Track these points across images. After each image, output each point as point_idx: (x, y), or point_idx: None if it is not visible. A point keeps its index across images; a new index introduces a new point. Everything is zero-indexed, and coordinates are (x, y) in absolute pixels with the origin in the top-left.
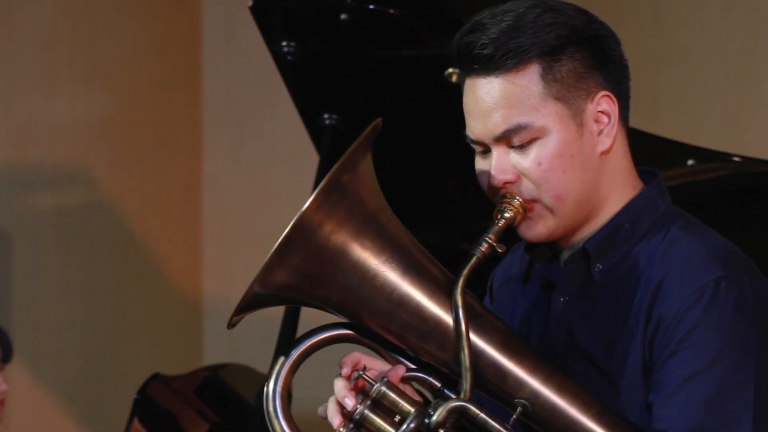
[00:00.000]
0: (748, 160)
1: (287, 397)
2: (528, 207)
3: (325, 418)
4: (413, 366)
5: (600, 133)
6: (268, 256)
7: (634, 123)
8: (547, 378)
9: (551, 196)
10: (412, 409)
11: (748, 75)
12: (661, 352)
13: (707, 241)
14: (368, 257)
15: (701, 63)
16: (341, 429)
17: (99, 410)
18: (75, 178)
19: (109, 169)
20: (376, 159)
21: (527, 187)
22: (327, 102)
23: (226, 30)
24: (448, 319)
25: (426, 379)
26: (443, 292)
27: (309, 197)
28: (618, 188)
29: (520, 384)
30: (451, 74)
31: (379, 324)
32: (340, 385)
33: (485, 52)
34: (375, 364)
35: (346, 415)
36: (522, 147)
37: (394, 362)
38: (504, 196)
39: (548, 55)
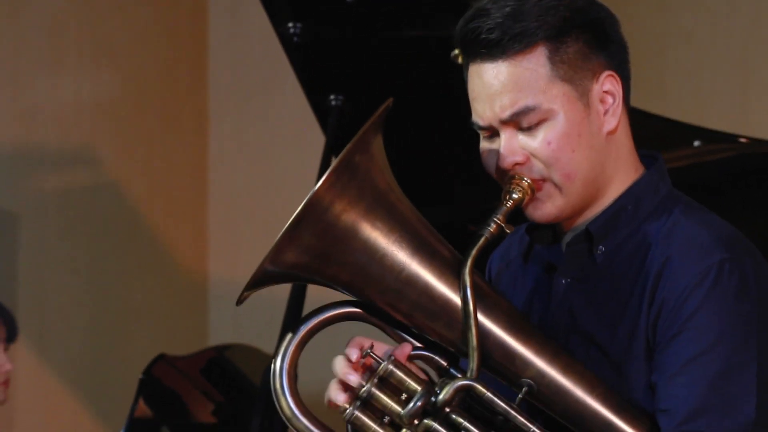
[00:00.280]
0: (754, 141)
1: (294, 374)
2: (536, 187)
3: (331, 402)
4: (420, 345)
5: (606, 113)
6: (280, 234)
7: (640, 104)
8: (553, 358)
9: (561, 175)
10: (419, 388)
11: (754, 56)
12: (664, 333)
13: (710, 224)
14: (378, 236)
15: (707, 44)
16: (347, 407)
17: (104, 391)
18: (81, 160)
19: (114, 151)
20: (383, 140)
21: (537, 167)
22: (333, 83)
23: (232, 11)
24: (456, 298)
25: (432, 358)
26: (452, 272)
27: (317, 178)
28: (621, 170)
29: (526, 364)
30: (457, 55)
31: (388, 302)
32: (341, 364)
33: (492, 36)
34: (382, 344)
35: (351, 392)
36: (530, 129)
37: (401, 341)
38: (512, 177)
39: (554, 38)
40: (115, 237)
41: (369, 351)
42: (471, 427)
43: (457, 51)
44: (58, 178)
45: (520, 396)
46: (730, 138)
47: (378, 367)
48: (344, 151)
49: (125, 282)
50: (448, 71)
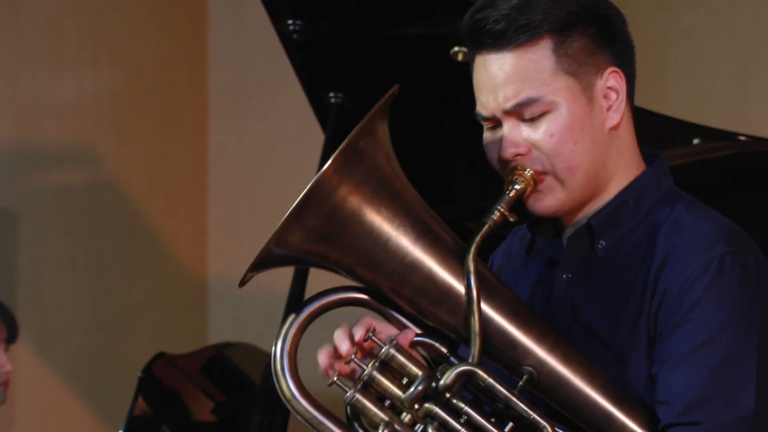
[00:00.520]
0: (753, 139)
1: (295, 357)
2: (538, 179)
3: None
4: (422, 331)
5: (609, 108)
6: (286, 216)
7: (640, 102)
8: (554, 347)
9: (563, 168)
10: (420, 372)
11: (754, 54)
12: (665, 324)
13: (712, 218)
14: (382, 221)
15: (707, 42)
16: (348, 390)
17: (104, 389)
18: (80, 157)
19: (114, 148)
20: None
21: (539, 159)
22: (333, 81)
23: (231, 9)
24: (459, 284)
25: (434, 345)
26: (455, 259)
27: (318, 171)
28: (623, 166)
29: (527, 352)
30: (456, 53)
31: (391, 287)
32: (339, 332)
33: (498, 27)
34: (384, 328)
35: (339, 361)
36: (533, 120)
37: (403, 328)
38: (515, 168)
39: (560, 31)
40: (114, 235)
41: (371, 335)
42: (472, 412)
43: (456, 48)
44: (57, 176)
45: (520, 384)
46: (730, 136)
47: (380, 351)
48: (351, 134)
49: (125, 280)
50: (448, 69)
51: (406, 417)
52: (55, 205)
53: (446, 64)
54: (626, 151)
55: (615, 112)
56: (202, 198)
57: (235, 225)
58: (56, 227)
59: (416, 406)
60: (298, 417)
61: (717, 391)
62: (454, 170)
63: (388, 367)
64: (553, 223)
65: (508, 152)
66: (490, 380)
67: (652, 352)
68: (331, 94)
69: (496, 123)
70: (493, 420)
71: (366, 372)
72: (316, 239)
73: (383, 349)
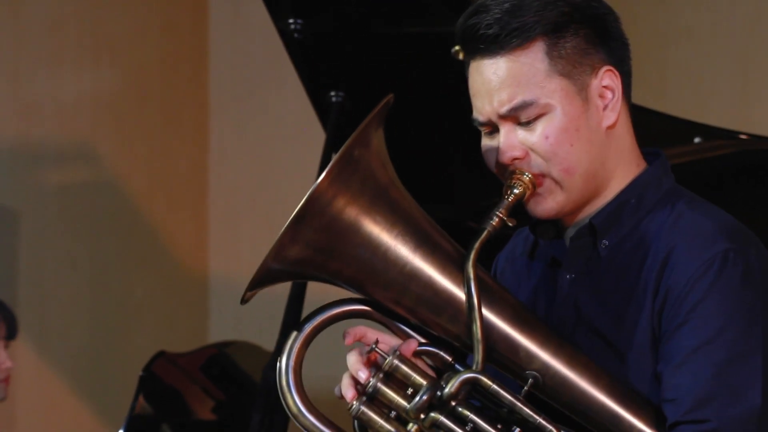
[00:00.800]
0: (754, 138)
1: (300, 372)
2: (537, 182)
3: (341, 397)
4: (425, 340)
5: (605, 108)
6: (283, 230)
7: (640, 100)
8: (558, 350)
9: (560, 170)
10: (425, 382)
11: (755, 53)
12: (669, 323)
13: (713, 215)
14: (381, 231)
15: (708, 40)
16: (354, 402)
17: (104, 388)
18: (81, 156)
19: (115, 147)
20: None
21: (536, 162)
22: (334, 79)
23: (232, 7)
24: (459, 292)
25: (437, 354)
26: (455, 266)
27: (318, 174)
28: (623, 164)
29: (531, 356)
30: (457, 52)
31: (392, 298)
32: (353, 359)
33: (490, 32)
34: (387, 339)
35: (359, 388)
36: (529, 123)
37: (406, 338)
38: (513, 172)
39: (552, 33)
40: (115, 233)
41: (374, 347)
42: (477, 420)
43: (457, 47)
44: (58, 175)
45: (525, 388)
46: (731, 134)
47: (383, 362)
48: (345, 145)
49: (125, 279)
50: (448, 68)
51: (412, 428)
52: (55, 203)
53: (446, 63)
54: (625, 149)
55: (611, 111)
56: (203, 197)
57: (235, 224)
58: (57, 226)
59: (422, 416)
60: None
61: (723, 388)
62: (454, 170)
63: (392, 378)
64: (555, 223)
65: (506, 157)
66: (495, 386)
67: (656, 350)
68: (332, 93)
69: (493, 128)
70: (499, 426)
71: (371, 384)
72: (314, 252)
73: (387, 360)
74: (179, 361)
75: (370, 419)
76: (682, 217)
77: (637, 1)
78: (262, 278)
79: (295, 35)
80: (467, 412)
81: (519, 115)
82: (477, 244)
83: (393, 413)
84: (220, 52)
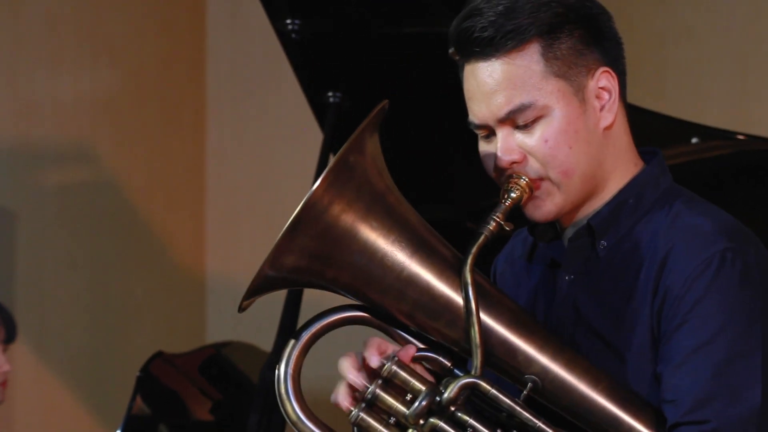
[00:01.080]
0: (751, 138)
1: (299, 379)
2: (534, 186)
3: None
4: (423, 346)
5: (602, 108)
6: (278, 238)
7: (639, 100)
8: (557, 354)
9: (558, 173)
10: (423, 387)
11: (754, 53)
12: (668, 323)
13: (711, 214)
14: (377, 237)
15: (707, 40)
16: (353, 409)
17: (102, 388)
18: (79, 156)
19: (113, 147)
20: (380, 137)
21: (533, 167)
22: (331, 80)
23: (230, 7)
24: (457, 296)
25: (436, 359)
26: (452, 271)
27: (315, 177)
28: (620, 164)
29: (530, 360)
30: (455, 53)
31: (389, 303)
32: (346, 365)
33: (485, 34)
34: (386, 345)
35: (357, 396)
36: (527, 126)
37: (405, 343)
38: (510, 176)
39: (547, 34)
40: (113, 234)
41: None
42: (477, 425)
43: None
44: (56, 175)
45: (524, 392)
46: (728, 135)
47: (382, 369)
48: (340, 152)
49: (124, 279)
50: (447, 68)
51: None
52: (54, 204)
53: (446, 63)
54: (622, 149)
55: (608, 112)
56: (201, 197)
57: (233, 224)
58: (55, 226)
59: (421, 422)
60: None
61: (723, 388)
62: (453, 170)
63: (391, 383)
64: (553, 224)
65: (504, 161)
66: (494, 391)
67: (656, 351)
68: (330, 94)
69: (490, 132)
70: (499, 431)
71: (369, 390)
72: (310, 260)
73: (385, 366)
74: (177, 361)
75: (369, 426)
76: (679, 216)
77: (636, 1)
78: (259, 286)
79: (293, 36)
80: (466, 417)
81: (517, 119)
82: (474, 249)
83: (392, 419)
84: (218, 52)
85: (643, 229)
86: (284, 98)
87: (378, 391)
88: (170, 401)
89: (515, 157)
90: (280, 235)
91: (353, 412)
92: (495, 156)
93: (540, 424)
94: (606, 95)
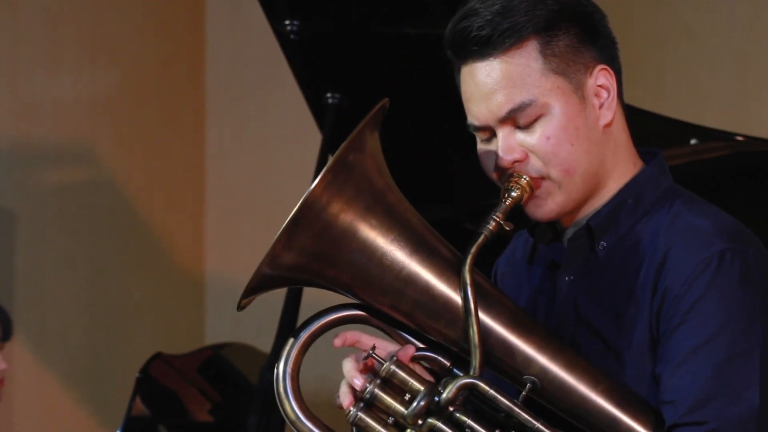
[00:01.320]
0: (751, 140)
1: (297, 378)
2: (535, 185)
3: (341, 406)
4: (423, 346)
5: (601, 106)
6: (277, 236)
7: (639, 101)
8: (556, 354)
9: (560, 170)
10: (422, 387)
11: (754, 54)
12: (667, 323)
13: (711, 215)
14: (377, 236)
15: (707, 41)
16: (351, 408)
17: (101, 389)
18: (78, 156)
19: (112, 147)
20: (380, 137)
21: (534, 165)
22: (330, 81)
23: (229, 8)
24: (456, 296)
25: (435, 359)
26: (452, 270)
27: (314, 176)
28: (620, 163)
29: (529, 361)
30: (453, 58)
31: (388, 303)
32: (348, 366)
33: (482, 33)
34: (385, 345)
35: (357, 395)
36: (528, 125)
37: (404, 343)
38: (510, 176)
39: (544, 31)
40: (113, 234)
41: (371, 353)
42: (475, 426)
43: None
44: (55, 175)
45: (523, 393)
46: (727, 136)
47: (380, 368)
48: (339, 150)
49: (123, 280)
50: (447, 69)
51: None
52: (53, 204)
53: (446, 64)
54: (621, 148)
55: (607, 110)
56: (200, 197)
57: (232, 224)
58: (54, 226)
59: (419, 422)
60: None
61: (721, 388)
62: (453, 170)
63: (389, 383)
64: (553, 225)
65: (506, 160)
66: (492, 392)
67: (655, 351)
68: (329, 95)
69: (490, 133)
70: (497, 431)
71: (368, 390)
72: (309, 259)
73: (384, 366)
74: (176, 362)
75: (368, 425)
76: (679, 217)
77: (636, 1)
78: (257, 285)
79: (292, 36)
80: (464, 418)
81: (518, 117)
82: (474, 249)
83: (391, 419)
84: (218, 52)
85: (642, 229)
86: (284, 98)
87: (376, 390)
88: (169, 402)
89: (517, 156)
90: (278, 233)
91: (351, 412)
92: (495, 156)
93: (538, 424)
94: (605, 93)
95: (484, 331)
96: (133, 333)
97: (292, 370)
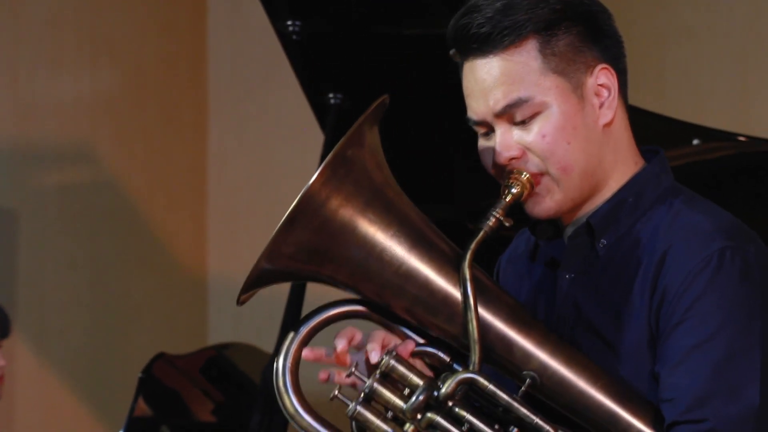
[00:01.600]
0: (753, 140)
1: (297, 372)
2: (535, 182)
3: (324, 381)
4: (422, 341)
5: (601, 106)
6: (276, 231)
7: (639, 101)
8: (555, 350)
9: (558, 168)
10: (421, 382)
11: (754, 54)
12: (667, 322)
13: (712, 213)
14: (376, 231)
15: (707, 41)
16: (351, 403)
17: (103, 389)
18: (80, 156)
19: (114, 147)
20: (381, 137)
21: (533, 162)
22: (332, 81)
23: (231, 8)
24: (456, 292)
25: (435, 354)
26: (451, 266)
27: (316, 173)
28: (621, 162)
29: (528, 356)
30: (456, 54)
31: (388, 298)
32: (338, 340)
33: (483, 31)
34: (387, 337)
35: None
36: (524, 122)
37: (404, 338)
38: (510, 172)
39: (544, 30)
40: (114, 234)
41: (353, 370)
42: (474, 420)
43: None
44: (56, 175)
45: (523, 388)
46: (729, 136)
47: (380, 363)
48: (338, 145)
49: (125, 280)
50: (447, 69)
51: (409, 428)
52: (54, 204)
53: (446, 64)
54: (622, 147)
55: (608, 109)
56: (202, 197)
57: (234, 224)
58: (56, 226)
59: (418, 416)
60: None
61: (721, 387)
62: (453, 170)
63: (388, 378)
64: (553, 223)
65: (503, 157)
66: (491, 387)
67: (654, 349)
68: (331, 95)
69: (488, 128)
70: (496, 426)
71: (367, 384)
72: (308, 254)
73: (383, 361)
74: (178, 362)
75: (367, 420)
76: (679, 215)
77: (636, 1)
78: (256, 280)
79: (294, 36)
80: (464, 413)
81: (514, 114)
82: (473, 245)
83: (390, 413)
84: (219, 52)
85: (642, 227)
86: (285, 99)
87: (376, 385)
88: (172, 402)
89: (514, 153)
90: (277, 228)
91: (351, 406)
92: (494, 152)
93: (537, 420)
94: (605, 92)
95: (484, 327)
96: (134, 333)
97: (292, 364)
